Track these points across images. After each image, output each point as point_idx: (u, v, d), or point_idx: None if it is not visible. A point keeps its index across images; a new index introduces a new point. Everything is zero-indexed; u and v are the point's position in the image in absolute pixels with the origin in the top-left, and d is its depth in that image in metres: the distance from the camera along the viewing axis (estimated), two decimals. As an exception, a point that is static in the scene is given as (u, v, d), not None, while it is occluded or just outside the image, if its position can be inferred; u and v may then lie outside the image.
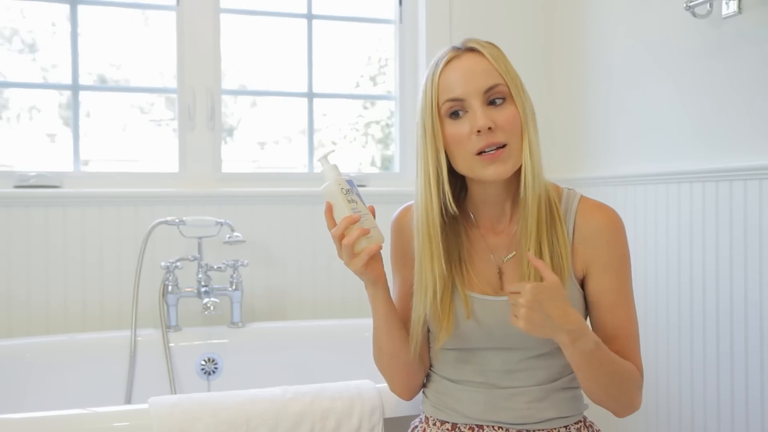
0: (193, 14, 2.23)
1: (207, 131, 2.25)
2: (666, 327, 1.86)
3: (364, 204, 1.13)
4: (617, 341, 1.15)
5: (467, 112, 1.10)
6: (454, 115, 1.11)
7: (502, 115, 1.09)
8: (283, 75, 2.41)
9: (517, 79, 1.12)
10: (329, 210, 1.11)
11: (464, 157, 1.11)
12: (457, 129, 1.11)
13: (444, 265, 1.13)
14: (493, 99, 1.10)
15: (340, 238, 1.10)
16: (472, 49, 1.12)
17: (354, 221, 1.08)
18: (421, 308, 1.16)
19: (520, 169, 1.12)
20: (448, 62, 1.12)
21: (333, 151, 1.17)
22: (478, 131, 1.08)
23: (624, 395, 1.14)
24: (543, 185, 1.14)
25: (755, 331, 1.59)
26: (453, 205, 1.13)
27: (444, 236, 1.15)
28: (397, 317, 1.20)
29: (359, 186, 2.30)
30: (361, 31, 2.50)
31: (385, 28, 2.50)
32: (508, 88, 1.10)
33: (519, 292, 1.03)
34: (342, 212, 1.10)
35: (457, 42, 1.15)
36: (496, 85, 1.10)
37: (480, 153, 1.09)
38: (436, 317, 1.15)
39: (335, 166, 1.14)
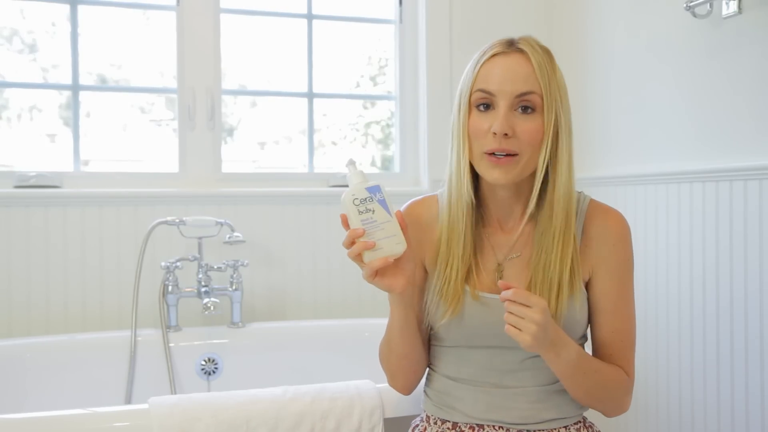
0: (193, 14, 2.23)
1: (207, 131, 2.25)
2: (666, 327, 1.86)
3: (386, 211, 1.08)
4: (614, 345, 1.16)
5: (494, 109, 1.11)
6: (483, 107, 1.12)
7: (525, 125, 1.10)
8: (283, 75, 2.41)
9: (557, 92, 1.11)
10: (344, 221, 1.08)
11: (477, 150, 1.12)
12: (480, 122, 1.12)
13: (469, 243, 1.16)
14: (523, 106, 1.10)
15: (347, 248, 1.08)
16: (521, 51, 1.12)
17: (357, 235, 1.06)
18: (437, 283, 1.16)
19: (535, 176, 1.12)
20: (494, 55, 1.13)
21: (353, 161, 1.12)
22: (494, 133, 1.09)
23: (609, 399, 1.16)
24: (573, 201, 1.14)
25: (755, 331, 1.59)
26: (471, 191, 1.14)
27: (471, 220, 1.17)
28: (414, 321, 1.17)
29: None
30: (361, 31, 2.50)
31: (385, 28, 2.50)
32: (542, 100, 1.10)
33: (523, 303, 1.02)
34: (353, 224, 1.08)
35: (515, 35, 1.15)
36: (530, 93, 1.10)
37: (491, 153, 1.10)
38: (450, 293, 1.15)
39: (356, 173, 1.10)
